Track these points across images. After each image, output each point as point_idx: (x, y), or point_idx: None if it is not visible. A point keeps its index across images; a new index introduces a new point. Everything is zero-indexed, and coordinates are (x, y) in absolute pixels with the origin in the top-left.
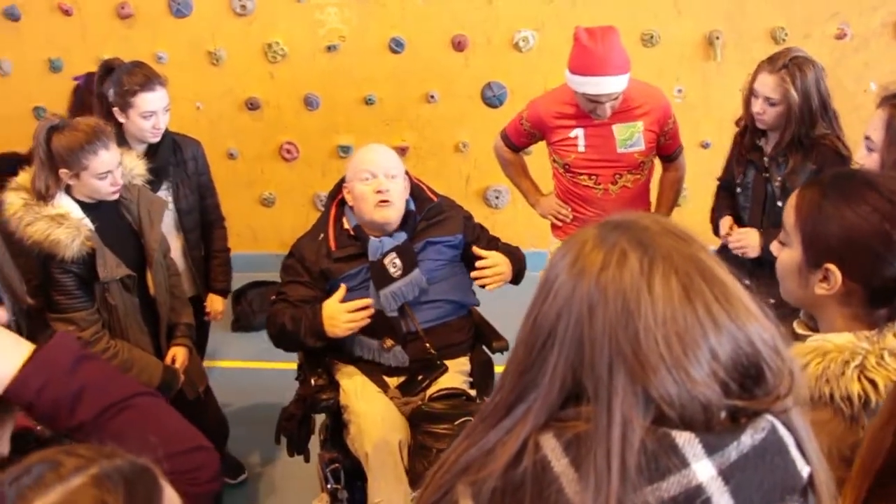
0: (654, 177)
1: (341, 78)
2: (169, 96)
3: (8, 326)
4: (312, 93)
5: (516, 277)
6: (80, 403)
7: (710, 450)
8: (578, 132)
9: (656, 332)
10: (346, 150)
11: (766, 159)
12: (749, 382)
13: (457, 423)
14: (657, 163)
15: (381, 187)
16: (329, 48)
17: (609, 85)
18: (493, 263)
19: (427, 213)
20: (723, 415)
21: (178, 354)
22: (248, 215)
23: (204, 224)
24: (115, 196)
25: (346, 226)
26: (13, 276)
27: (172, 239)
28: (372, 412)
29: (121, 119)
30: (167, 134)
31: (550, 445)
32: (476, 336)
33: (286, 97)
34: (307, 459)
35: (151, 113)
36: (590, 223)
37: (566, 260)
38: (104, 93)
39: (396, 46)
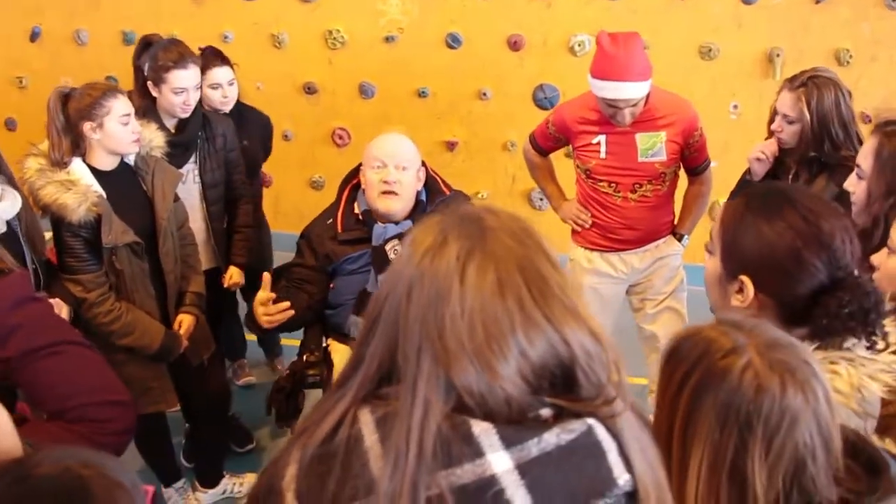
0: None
1: (397, 69)
2: (233, 74)
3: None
4: (368, 81)
5: None
6: (12, 338)
7: (508, 443)
8: (601, 138)
9: (462, 320)
10: None
11: (788, 179)
12: (560, 384)
13: None
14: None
15: (388, 178)
16: (387, 39)
17: (627, 91)
18: None
19: (437, 205)
20: (545, 411)
21: (184, 321)
22: (297, 197)
23: (229, 199)
24: (136, 147)
25: (357, 210)
26: (36, 232)
27: (195, 210)
28: None
29: (154, 93)
30: (198, 109)
31: (366, 420)
32: None
33: (342, 84)
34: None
35: (183, 89)
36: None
37: (406, 241)
38: (140, 66)
39: (453, 42)
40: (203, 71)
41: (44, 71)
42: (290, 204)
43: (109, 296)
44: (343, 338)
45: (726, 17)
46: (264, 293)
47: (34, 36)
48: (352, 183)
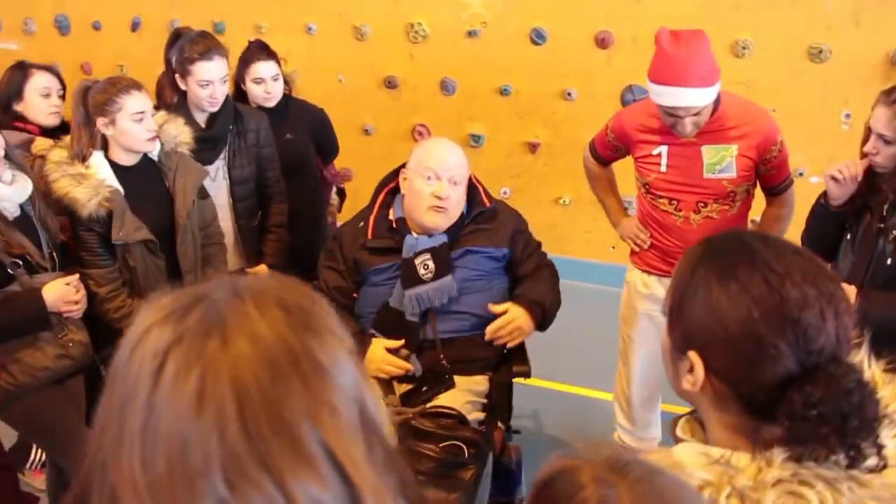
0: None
1: (479, 65)
2: (279, 69)
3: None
4: (449, 77)
5: (543, 324)
6: None
7: None
8: (662, 149)
9: (142, 441)
10: (476, 139)
11: (884, 207)
12: None
13: (441, 445)
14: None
15: (441, 193)
16: (470, 33)
17: (687, 97)
18: (510, 319)
19: (476, 217)
20: None
21: None
22: None
23: (262, 196)
24: (152, 146)
25: (391, 216)
26: (49, 215)
27: (223, 208)
28: None
29: (182, 86)
30: (228, 104)
31: None
32: (505, 356)
33: (423, 79)
34: None
35: (208, 82)
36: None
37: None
38: (169, 59)
39: (538, 38)
40: (247, 64)
41: (142, 60)
42: (368, 198)
43: (121, 292)
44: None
45: (842, 14)
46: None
47: (135, 26)
48: (389, 186)
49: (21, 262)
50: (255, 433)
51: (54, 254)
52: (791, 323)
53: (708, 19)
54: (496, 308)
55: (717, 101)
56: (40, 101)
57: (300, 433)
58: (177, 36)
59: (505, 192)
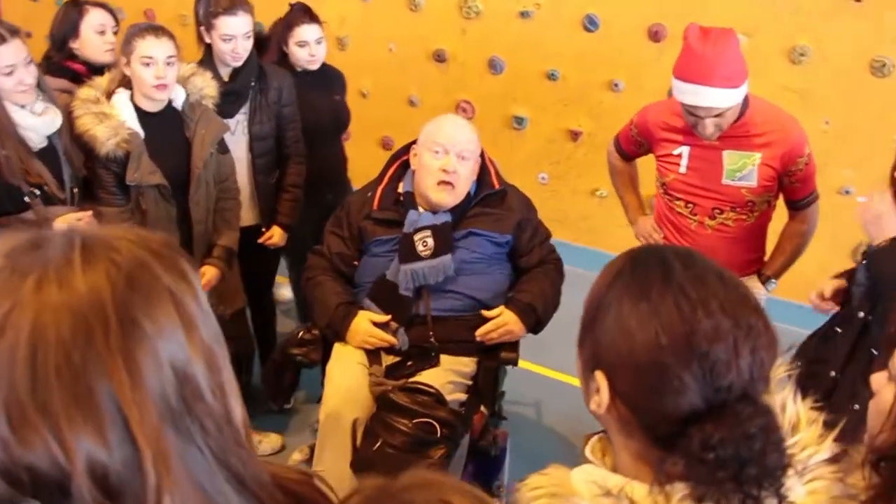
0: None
1: (529, 47)
2: (322, 32)
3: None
4: (498, 56)
5: (536, 328)
6: None
7: None
8: (683, 150)
9: None
10: (519, 122)
11: None
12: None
13: (415, 420)
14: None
15: (448, 167)
16: (523, 14)
17: (708, 97)
18: (502, 323)
19: (483, 199)
20: None
21: (206, 272)
22: None
23: (281, 156)
24: (160, 94)
25: (400, 189)
26: (74, 151)
27: (242, 163)
28: (339, 381)
29: (207, 39)
30: (252, 59)
31: None
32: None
33: (472, 56)
34: (279, 407)
35: (231, 37)
36: None
37: None
38: (197, 12)
39: (590, 24)
40: (290, 28)
41: None
42: None
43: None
44: None
45: None
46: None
47: None
48: (401, 159)
49: (39, 192)
50: (41, 378)
51: (75, 189)
52: (699, 356)
53: (766, 21)
54: (489, 313)
55: (744, 105)
56: (95, 38)
57: (89, 387)
58: None
59: (543, 178)
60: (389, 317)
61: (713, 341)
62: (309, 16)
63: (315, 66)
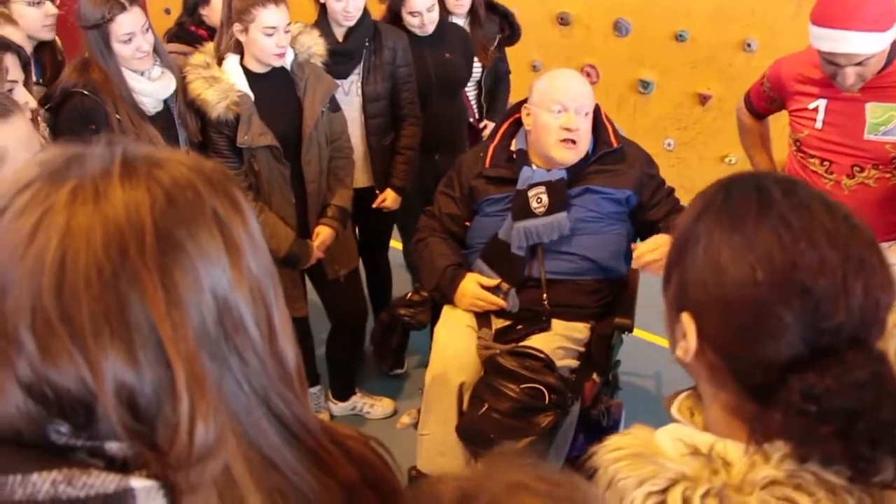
0: None
1: (656, 7)
2: None
3: None
4: (624, 18)
5: None
6: None
7: None
8: (820, 104)
9: None
10: (645, 86)
11: None
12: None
13: (522, 386)
14: None
15: (570, 125)
16: None
17: (849, 42)
18: (661, 243)
19: (601, 158)
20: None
21: (321, 232)
22: None
23: (395, 117)
24: (281, 61)
25: (512, 147)
26: (189, 115)
27: (354, 124)
28: (445, 344)
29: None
30: (367, 19)
31: None
32: (610, 307)
33: (597, 18)
34: (389, 370)
35: None
36: None
37: None
38: None
39: None
40: None
41: None
42: None
43: (248, 195)
44: None
45: None
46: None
47: None
48: (514, 117)
49: None
50: (68, 288)
51: (190, 152)
52: (801, 292)
53: None
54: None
55: (891, 52)
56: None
57: (120, 301)
58: None
59: (669, 144)
60: (498, 280)
61: (818, 275)
62: None
63: (427, 33)
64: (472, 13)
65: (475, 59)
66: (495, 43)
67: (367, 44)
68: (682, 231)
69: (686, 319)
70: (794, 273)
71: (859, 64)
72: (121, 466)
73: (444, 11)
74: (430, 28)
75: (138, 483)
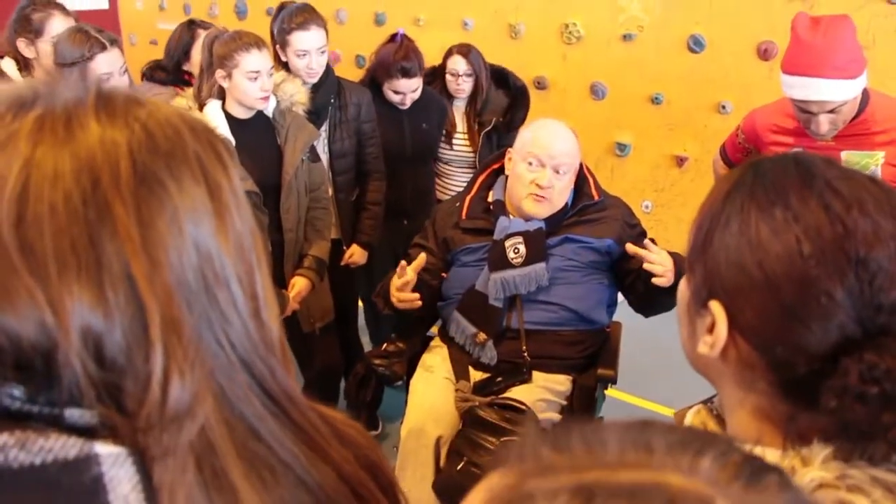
0: None
1: (632, 71)
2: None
3: None
4: (600, 82)
5: (666, 298)
6: None
7: None
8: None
9: None
10: (622, 148)
11: None
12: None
13: (503, 439)
14: None
15: (542, 182)
16: (625, 37)
17: (821, 90)
18: (660, 261)
19: (580, 210)
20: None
21: (297, 283)
22: None
23: (360, 173)
24: (264, 105)
25: (490, 198)
26: None
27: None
28: (422, 396)
29: (283, 57)
30: (331, 76)
31: None
32: (592, 359)
33: (574, 81)
34: (369, 427)
35: (305, 52)
36: None
37: None
38: (272, 32)
39: (695, 45)
40: (389, 77)
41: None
42: None
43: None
44: (445, 336)
45: None
46: (405, 278)
47: None
48: (492, 167)
49: None
50: (30, 218)
51: None
52: (855, 264)
53: (887, 32)
54: (637, 251)
55: (863, 101)
56: None
57: (88, 234)
58: (281, 7)
59: (646, 207)
60: (424, 258)
61: (874, 245)
62: (407, 74)
63: (405, 108)
64: (472, 97)
65: (467, 141)
66: (502, 117)
67: (332, 100)
68: (706, 215)
69: (716, 308)
70: (847, 243)
71: (832, 111)
72: (83, 435)
73: (446, 94)
74: (409, 104)
75: (104, 449)
